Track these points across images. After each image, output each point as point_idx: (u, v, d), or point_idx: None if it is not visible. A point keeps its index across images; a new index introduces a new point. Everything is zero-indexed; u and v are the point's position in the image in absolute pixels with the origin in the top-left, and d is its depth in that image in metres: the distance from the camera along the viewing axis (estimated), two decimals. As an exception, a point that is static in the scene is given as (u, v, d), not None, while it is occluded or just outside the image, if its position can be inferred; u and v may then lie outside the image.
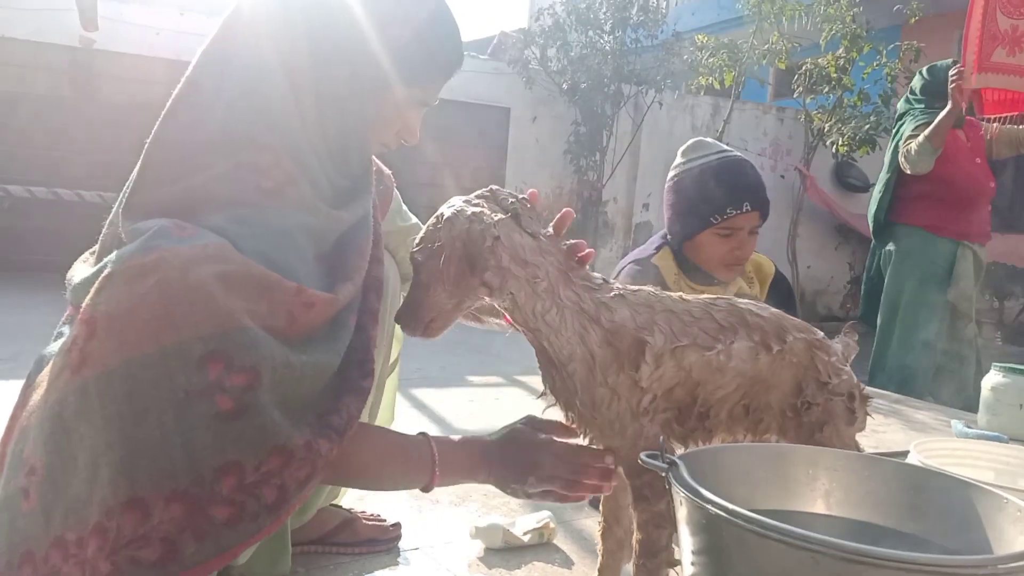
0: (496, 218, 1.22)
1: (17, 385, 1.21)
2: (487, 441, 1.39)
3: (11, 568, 1.05)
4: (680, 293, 1.39)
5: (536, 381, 1.34)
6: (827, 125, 8.67)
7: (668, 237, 2.29)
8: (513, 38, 9.23)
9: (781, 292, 2.38)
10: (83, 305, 1.05)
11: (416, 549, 1.78)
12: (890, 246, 4.28)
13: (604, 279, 1.33)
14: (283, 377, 1.11)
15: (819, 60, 8.33)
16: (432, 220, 1.27)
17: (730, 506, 0.84)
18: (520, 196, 1.30)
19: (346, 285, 1.26)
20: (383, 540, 1.77)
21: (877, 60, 8.38)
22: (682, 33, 9.12)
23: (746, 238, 2.18)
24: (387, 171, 1.66)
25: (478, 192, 1.31)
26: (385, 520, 1.83)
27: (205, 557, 1.04)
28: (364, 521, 1.79)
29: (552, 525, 1.87)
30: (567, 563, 1.76)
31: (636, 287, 1.35)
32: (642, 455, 0.97)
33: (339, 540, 1.72)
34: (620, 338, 1.26)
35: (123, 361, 1.02)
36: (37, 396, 1.10)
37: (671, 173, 2.27)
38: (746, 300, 1.42)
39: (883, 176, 4.21)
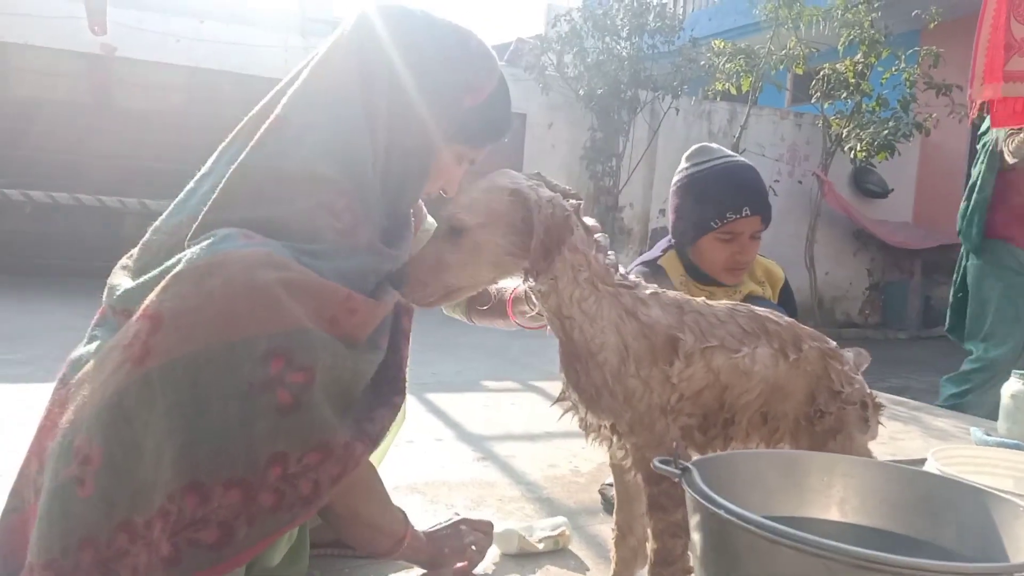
0: (570, 203, 1.28)
1: (38, 387, 1.24)
2: (432, 535, 1.59)
3: (67, 553, 1.08)
4: (702, 298, 1.41)
5: (552, 387, 1.34)
6: (845, 130, 8.63)
7: (673, 241, 2.30)
8: (530, 44, 9.25)
9: (785, 301, 2.37)
10: (147, 302, 1.12)
11: (431, 554, 1.78)
12: (974, 259, 4.18)
13: (637, 280, 1.36)
14: (334, 378, 1.19)
15: (837, 65, 8.29)
16: (486, 188, 1.27)
17: (743, 512, 0.83)
18: (568, 188, 1.34)
19: (386, 296, 1.34)
20: (398, 544, 1.78)
21: (896, 65, 8.34)
22: (699, 39, 9.12)
23: (747, 243, 2.17)
24: (421, 206, 1.75)
25: (529, 174, 1.34)
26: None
27: (253, 541, 1.13)
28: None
29: (567, 532, 1.86)
30: (582, 569, 1.76)
31: (663, 289, 1.37)
32: (655, 461, 0.98)
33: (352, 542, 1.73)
34: (654, 333, 1.28)
35: (188, 353, 1.09)
36: (86, 392, 1.14)
37: (675, 178, 2.28)
38: (764, 308, 1.43)
39: (977, 196, 4.05)
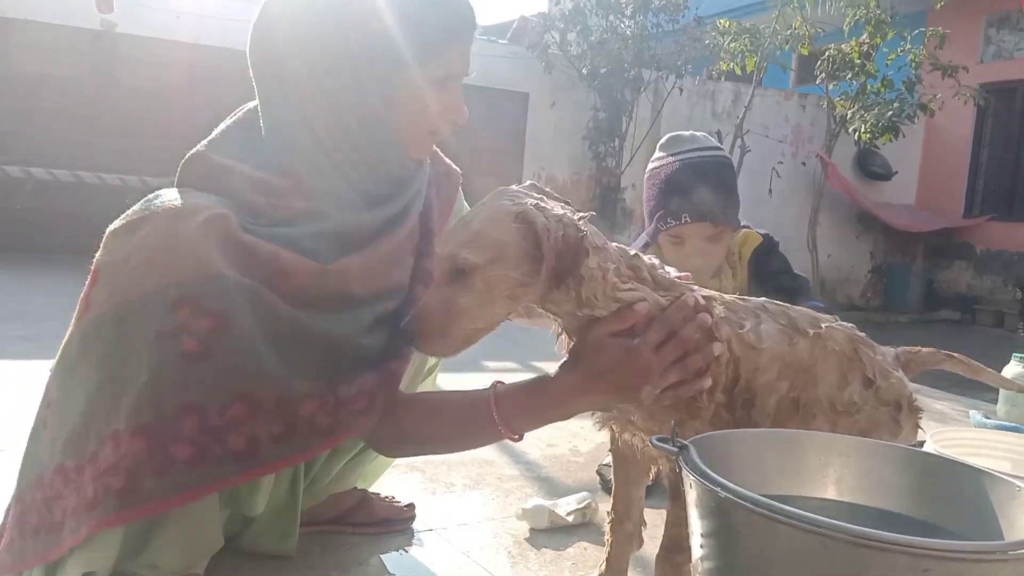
0: (579, 217, 1.19)
1: (42, 364, 1.26)
2: (560, 373, 1.27)
3: (29, 489, 1.18)
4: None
5: (552, 368, 1.32)
6: (850, 112, 8.58)
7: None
8: (533, 22, 9.18)
9: (770, 264, 2.23)
10: (94, 259, 1.18)
11: (430, 531, 1.79)
12: None
13: (638, 253, 1.31)
14: (266, 329, 1.16)
15: (842, 46, 8.23)
16: (487, 218, 1.17)
17: (739, 489, 0.84)
18: (560, 198, 1.29)
19: (346, 259, 1.28)
20: (397, 520, 1.79)
21: (901, 46, 8.27)
22: (704, 18, 9.04)
23: (700, 246, 2.08)
24: (456, 170, 1.66)
25: (525, 185, 1.27)
26: (399, 501, 1.85)
27: (164, 493, 1.10)
28: (379, 502, 1.80)
29: (594, 504, 1.90)
30: (582, 546, 1.78)
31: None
32: (653, 439, 0.98)
33: (354, 520, 1.74)
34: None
35: (114, 304, 1.12)
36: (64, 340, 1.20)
37: (647, 167, 2.21)
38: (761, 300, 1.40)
39: None
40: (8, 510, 1.24)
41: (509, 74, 8.76)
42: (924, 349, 1.53)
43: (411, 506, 1.84)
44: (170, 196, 1.19)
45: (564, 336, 1.32)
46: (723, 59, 8.55)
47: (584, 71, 8.81)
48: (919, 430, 1.42)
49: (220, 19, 8.14)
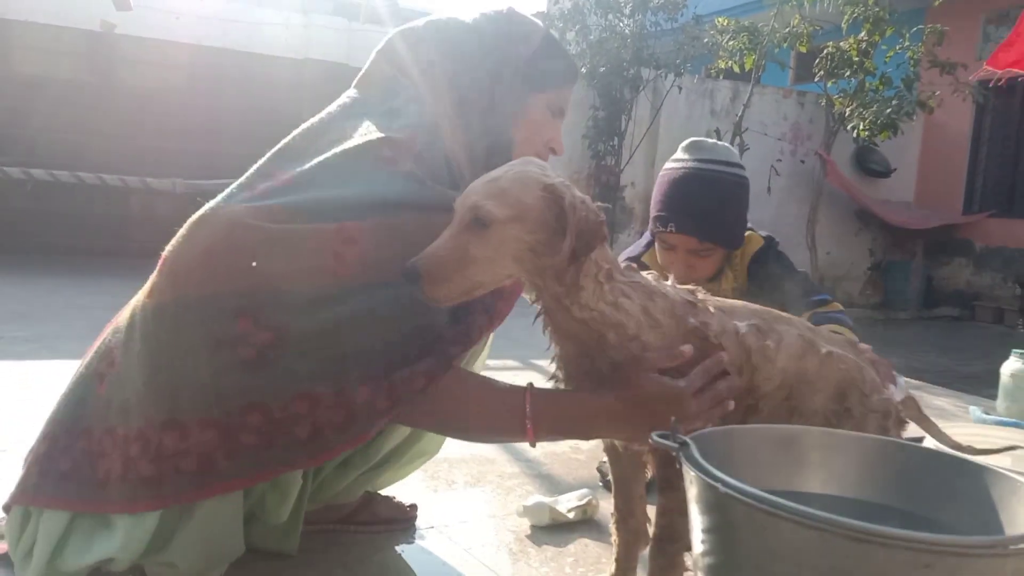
0: (597, 205, 1.23)
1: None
2: (605, 391, 1.27)
3: (71, 435, 1.27)
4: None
5: (552, 367, 1.33)
6: (848, 109, 8.57)
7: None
8: (531, 22, 9.18)
9: (771, 268, 2.20)
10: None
11: (432, 528, 1.80)
12: None
13: (631, 264, 1.34)
14: (315, 333, 1.20)
15: (841, 43, 8.22)
16: (515, 178, 1.18)
17: (740, 485, 0.84)
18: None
19: (415, 215, 1.29)
20: (400, 520, 1.80)
21: (900, 43, 8.27)
22: (702, 16, 9.03)
23: (684, 257, 2.09)
24: None
25: (531, 160, 1.28)
26: (402, 501, 1.85)
27: (239, 473, 1.20)
28: (382, 502, 1.81)
29: (595, 501, 1.90)
30: (609, 536, 1.78)
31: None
32: (654, 435, 0.98)
33: (357, 520, 1.74)
34: (677, 306, 1.28)
35: (174, 299, 1.20)
36: (134, 301, 1.30)
37: (665, 164, 2.24)
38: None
39: None
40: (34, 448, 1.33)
41: (508, 73, 8.73)
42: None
43: (414, 506, 1.84)
44: (236, 195, 1.28)
45: (544, 317, 1.31)
46: (721, 57, 8.55)
47: (583, 70, 8.80)
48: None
49: (220, 20, 8.14)
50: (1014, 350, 3.30)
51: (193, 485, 1.19)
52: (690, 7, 9.08)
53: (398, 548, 1.70)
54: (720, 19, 8.53)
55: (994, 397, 3.35)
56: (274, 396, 1.18)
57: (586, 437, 1.36)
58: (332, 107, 1.48)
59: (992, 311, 9.45)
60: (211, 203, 1.27)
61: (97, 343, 1.34)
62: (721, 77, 9.34)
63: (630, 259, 2.26)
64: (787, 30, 8.17)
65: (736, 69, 8.54)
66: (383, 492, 1.85)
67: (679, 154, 2.19)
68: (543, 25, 1.54)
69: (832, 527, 0.77)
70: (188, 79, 8.09)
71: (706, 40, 8.77)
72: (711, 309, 1.32)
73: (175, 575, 1.29)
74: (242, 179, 1.35)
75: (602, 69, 8.67)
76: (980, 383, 4.53)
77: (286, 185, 1.29)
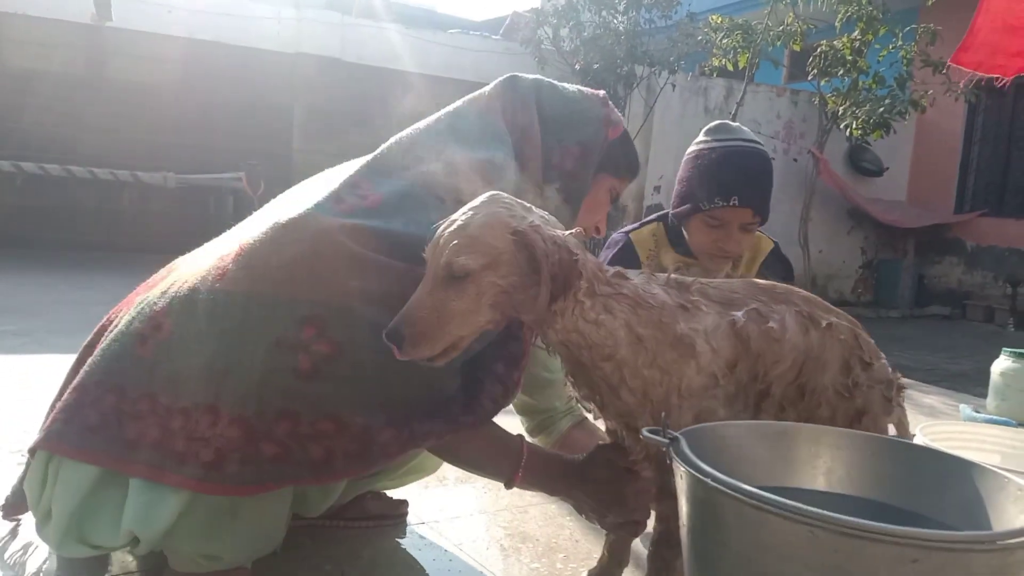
0: (569, 235, 1.21)
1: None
2: (577, 461, 1.44)
3: (100, 387, 1.27)
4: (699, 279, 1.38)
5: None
6: (841, 108, 8.59)
7: (670, 212, 2.28)
8: (525, 18, 9.17)
9: (777, 271, 2.27)
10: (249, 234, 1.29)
11: (422, 524, 1.80)
12: None
13: (619, 271, 1.30)
14: (371, 363, 1.23)
15: (834, 42, 8.24)
16: (483, 224, 1.16)
17: (729, 480, 0.84)
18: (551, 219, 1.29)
19: None
20: (390, 516, 1.80)
21: (893, 43, 8.28)
22: (696, 14, 9.03)
23: (734, 233, 2.11)
24: None
25: (497, 197, 1.24)
26: (393, 498, 1.85)
27: (240, 481, 1.20)
28: (372, 498, 1.80)
29: None
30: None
31: (651, 274, 1.33)
32: (644, 430, 0.98)
33: (346, 515, 1.74)
34: (665, 314, 1.24)
35: (247, 291, 1.24)
36: (185, 271, 1.33)
37: (689, 148, 2.23)
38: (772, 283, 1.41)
39: None
40: (61, 396, 1.33)
41: (502, 69, 8.66)
42: None
43: (404, 502, 1.84)
44: (328, 207, 1.31)
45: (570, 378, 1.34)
46: (715, 55, 8.56)
47: (577, 67, 8.80)
48: (906, 416, 1.45)
49: (212, 14, 8.11)
50: (1004, 349, 3.32)
51: (197, 476, 1.19)
52: (684, 4, 9.08)
53: (388, 544, 1.70)
54: (714, 17, 8.53)
55: (984, 395, 3.37)
56: (310, 409, 1.21)
57: (552, 494, 1.51)
58: (427, 121, 1.53)
59: (983, 310, 9.49)
60: (298, 207, 1.30)
61: (134, 299, 1.35)
62: (715, 75, 9.34)
63: (618, 233, 2.31)
64: (781, 28, 8.18)
65: (730, 67, 8.55)
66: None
67: (706, 137, 2.20)
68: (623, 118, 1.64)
69: (821, 522, 0.78)
70: (181, 73, 8.06)
71: (700, 38, 8.77)
72: (704, 308, 1.29)
73: (212, 565, 1.30)
74: (334, 187, 1.36)
75: (596, 66, 8.67)
76: (970, 381, 4.55)
77: (373, 208, 1.34)
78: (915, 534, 0.76)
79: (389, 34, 9.27)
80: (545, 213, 1.26)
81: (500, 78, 1.61)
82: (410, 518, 1.82)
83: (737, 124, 2.24)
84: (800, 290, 1.40)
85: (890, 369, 1.41)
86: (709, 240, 2.12)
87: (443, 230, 1.18)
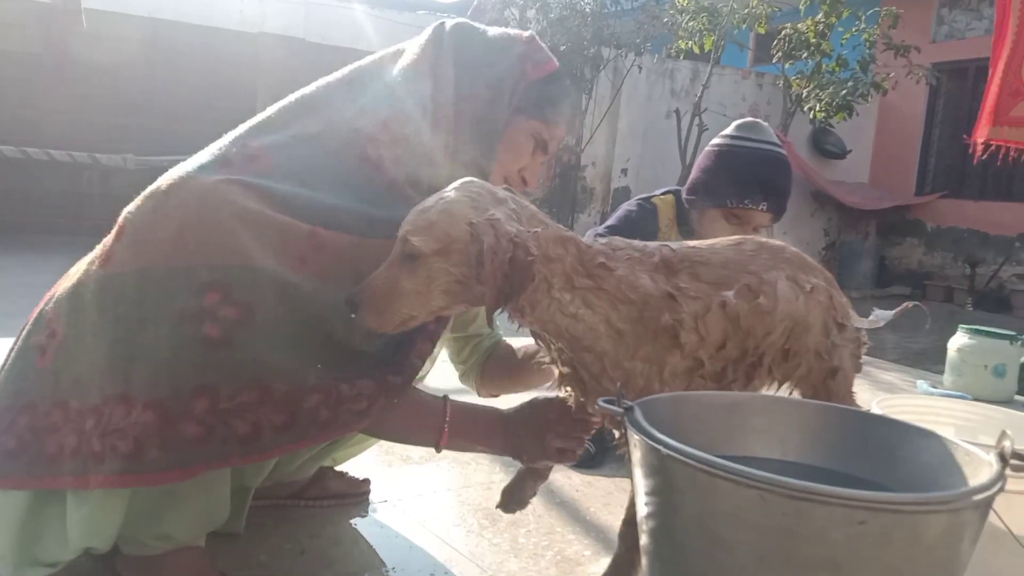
0: (531, 234, 1.16)
1: None
2: (505, 411, 1.45)
3: (11, 411, 1.20)
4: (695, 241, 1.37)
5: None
6: (805, 91, 8.67)
7: (684, 194, 2.32)
8: (492, 0, 9.12)
9: None
10: (124, 211, 1.22)
11: (385, 502, 1.79)
12: None
13: (606, 245, 1.27)
14: (285, 321, 1.18)
15: (798, 25, 8.30)
16: (443, 211, 1.15)
17: (681, 446, 0.85)
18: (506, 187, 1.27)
19: (379, 241, 1.26)
20: (352, 495, 1.79)
21: (856, 26, 8.37)
22: (663, -4, 9.06)
23: (748, 231, 2.18)
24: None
25: (468, 184, 1.22)
26: (355, 476, 1.84)
27: (166, 466, 1.13)
28: (334, 477, 1.79)
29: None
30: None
31: (642, 246, 1.30)
32: (600, 400, 0.99)
33: (307, 495, 1.73)
34: (649, 308, 1.22)
35: (138, 269, 1.15)
36: (73, 269, 1.26)
37: (717, 140, 2.30)
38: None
39: None
40: None
41: (468, 51, 8.67)
42: None
43: (367, 481, 1.83)
44: (209, 168, 1.22)
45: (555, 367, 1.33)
46: (681, 38, 8.59)
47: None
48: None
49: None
50: (961, 326, 3.38)
51: (117, 471, 1.13)
52: (650, -13, 9.09)
53: (351, 521, 1.70)
54: (680, -1, 8.55)
55: (942, 372, 3.43)
56: (228, 380, 1.14)
57: (487, 446, 1.46)
58: (331, 76, 1.44)
59: (943, 290, 9.66)
60: (179, 171, 1.22)
61: (33, 315, 1.28)
62: (681, 57, 9.37)
63: (640, 198, 2.39)
64: (746, 11, 8.23)
65: (696, 49, 8.58)
66: (337, 468, 1.84)
67: (739, 132, 2.26)
68: (559, 64, 1.55)
69: (770, 486, 0.79)
70: (142, 53, 7.91)
71: (666, 20, 8.79)
72: (692, 294, 1.25)
73: (165, 545, 1.26)
74: (215, 150, 1.28)
75: (563, 48, 8.64)
76: (928, 359, 4.64)
77: (266, 173, 1.26)
78: (862, 496, 0.77)
79: (355, 14, 9.16)
80: (526, 204, 1.24)
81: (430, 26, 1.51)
82: (373, 496, 1.81)
83: (766, 124, 2.33)
84: (789, 248, 1.40)
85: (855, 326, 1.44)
86: (723, 232, 2.15)
87: (412, 210, 1.18)
